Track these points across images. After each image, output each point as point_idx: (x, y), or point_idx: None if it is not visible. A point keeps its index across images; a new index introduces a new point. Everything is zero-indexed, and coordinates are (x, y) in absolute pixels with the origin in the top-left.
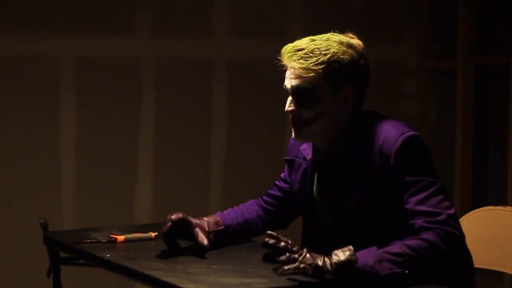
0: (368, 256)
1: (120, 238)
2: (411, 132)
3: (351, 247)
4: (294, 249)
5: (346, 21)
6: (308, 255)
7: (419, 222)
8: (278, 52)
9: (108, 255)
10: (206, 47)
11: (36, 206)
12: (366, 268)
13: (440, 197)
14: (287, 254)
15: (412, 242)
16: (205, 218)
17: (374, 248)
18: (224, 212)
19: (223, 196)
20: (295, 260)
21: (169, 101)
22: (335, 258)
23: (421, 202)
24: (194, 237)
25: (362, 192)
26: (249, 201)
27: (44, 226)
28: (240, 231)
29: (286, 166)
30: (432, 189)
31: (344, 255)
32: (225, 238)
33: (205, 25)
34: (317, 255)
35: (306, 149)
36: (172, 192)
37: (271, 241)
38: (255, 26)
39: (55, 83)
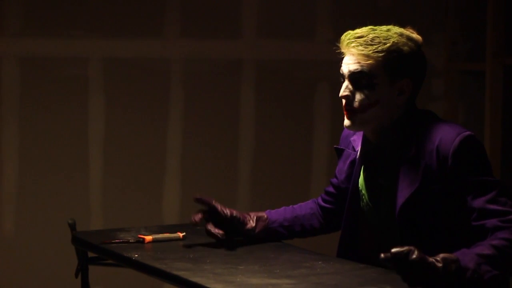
0: (466, 259)
1: (148, 238)
2: (468, 132)
3: (456, 257)
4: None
5: (374, 22)
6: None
7: (492, 221)
8: (307, 53)
9: (136, 255)
10: (235, 47)
11: (64, 206)
12: (468, 273)
13: (505, 196)
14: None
15: (495, 242)
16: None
17: (466, 251)
18: (273, 210)
19: (251, 196)
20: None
21: (197, 102)
22: (445, 268)
23: (491, 201)
24: (238, 220)
25: (413, 189)
26: (309, 200)
27: (72, 226)
28: (288, 227)
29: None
30: (497, 189)
31: (454, 266)
32: (271, 233)
33: (233, 25)
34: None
35: (356, 140)
36: (200, 193)
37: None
38: (284, 26)
39: (84, 83)
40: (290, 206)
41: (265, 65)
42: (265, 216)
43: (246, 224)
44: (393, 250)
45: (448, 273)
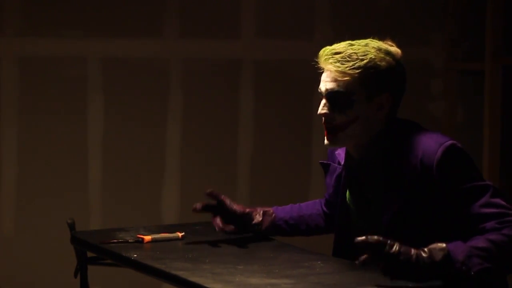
0: (457, 251)
1: (147, 238)
2: (449, 142)
3: (444, 245)
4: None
5: (373, 21)
6: (401, 246)
7: (490, 224)
8: (306, 53)
9: (135, 255)
10: (234, 47)
11: (63, 206)
12: (456, 265)
13: (499, 198)
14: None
15: (493, 236)
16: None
17: (460, 243)
18: (280, 207)
19: (249, 197)
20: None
21: (196, 102)
22: (430, 257)
23: (485, 205)
24: (245, 215)
25: (400, 203)
26: (317, 199)
27: (71, 226)
28: (293, 225)
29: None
30: (489, 192)
31: (441, 254)
32: (276, 228)
33: (232, 25)
34: (411, 248)
35: (341, 154)
36: (199, 193)
37: (360, 238)
38: (283, 26)
39: (82, 83)
40: (298, 204)
41: (264, 65)
42: (271, 211)
43: (253, 219)
44: (370, 238)
45: (435, 262)
